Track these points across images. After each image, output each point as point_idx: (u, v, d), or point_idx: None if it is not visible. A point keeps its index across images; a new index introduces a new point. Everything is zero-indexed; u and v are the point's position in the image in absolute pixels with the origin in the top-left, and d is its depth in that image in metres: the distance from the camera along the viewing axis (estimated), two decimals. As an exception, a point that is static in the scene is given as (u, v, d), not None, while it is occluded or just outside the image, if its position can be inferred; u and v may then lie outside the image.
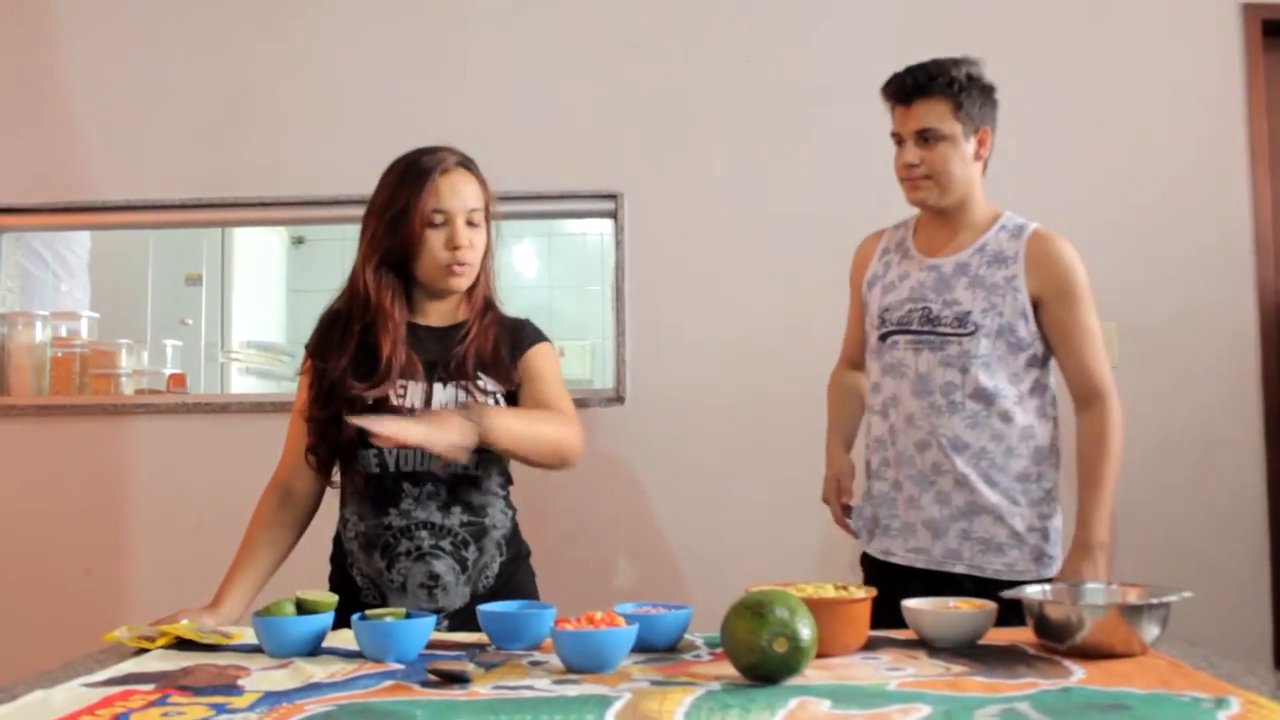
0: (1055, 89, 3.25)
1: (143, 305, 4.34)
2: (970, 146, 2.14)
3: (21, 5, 3.49)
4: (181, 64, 3.45)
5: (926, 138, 2.13)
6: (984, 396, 2.11)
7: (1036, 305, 2.12)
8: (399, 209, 1.85)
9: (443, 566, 1.85)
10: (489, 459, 1.89)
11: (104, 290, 4.03)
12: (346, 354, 1.86)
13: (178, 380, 3.64)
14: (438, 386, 1.87)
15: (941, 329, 2.14)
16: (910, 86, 2.13)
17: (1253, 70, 3.21)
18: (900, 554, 2.17)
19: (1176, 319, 3.18)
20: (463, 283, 1.90)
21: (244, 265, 4.78)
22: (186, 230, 4.18)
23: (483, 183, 1.93)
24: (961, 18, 3.28)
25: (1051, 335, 2.14)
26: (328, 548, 1.98)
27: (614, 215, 3.33)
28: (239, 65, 3.44)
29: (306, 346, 1.96)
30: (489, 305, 1.97)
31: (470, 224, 1.88)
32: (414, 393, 1.86)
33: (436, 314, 1.95)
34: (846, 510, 2.32)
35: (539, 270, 5.52)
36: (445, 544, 1.85)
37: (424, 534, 1.85)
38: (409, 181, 1.86)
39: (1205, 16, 3.24)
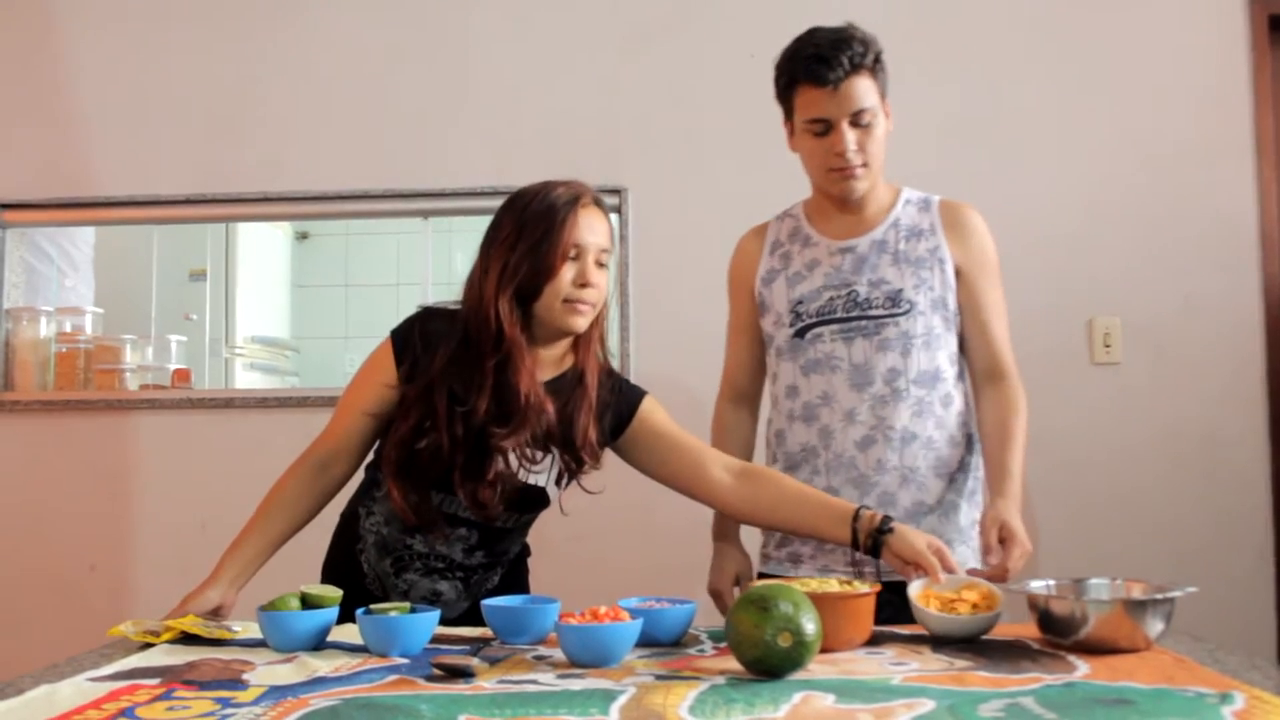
0: (1060, 83, 3.24)
1: (147, 300, 4.33)
2: (885, 124, 1.95)
3: (25, 1, 3.49)
4: (186, 59, 3.45)
5: (860, 120, 1.90)
6: (927, 380, 1.95)
7: (956, 277, 1.98)
8: (537, 239, 1.74)
9: (447, 585, 1.85)
10: (530, 519, 1.90)
11: (108, 285, 4.03)
12: (485, 395, 1.74)
13: (182, 375, 3.64)
14: (544, 456, 1.80)
15: (873, 312, 1.96)
16: (845, 66, 1.88)
17: (1259, 64, 3.20)
18: (840, 569, 1.93)
19: (1181, 314, 3.17)
20: (582, 322, 1.77)
21: (248, 260, 4.77)
22: (190, 225, 4.18)
23: (611, 226, 1.84)
24: (966, 14, 3.28)
25: (964, 309, 1.99)
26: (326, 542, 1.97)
27: (618, 210, 3.33)
28: (243, 61, 3.44)
29: (398, 338, 1.83)
30: (588, 367, 1.85)
31: (599, 264, 1.78)
32: (543, 469, 1.81)
33: (543, 362, 1.82)
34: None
35: (543, 265, 5.51)
36: (457, 571, 1.85)
37: (441, 564, 1.84)
38: (549, 212, 1.76)
39: (1211, 10, 3.23)
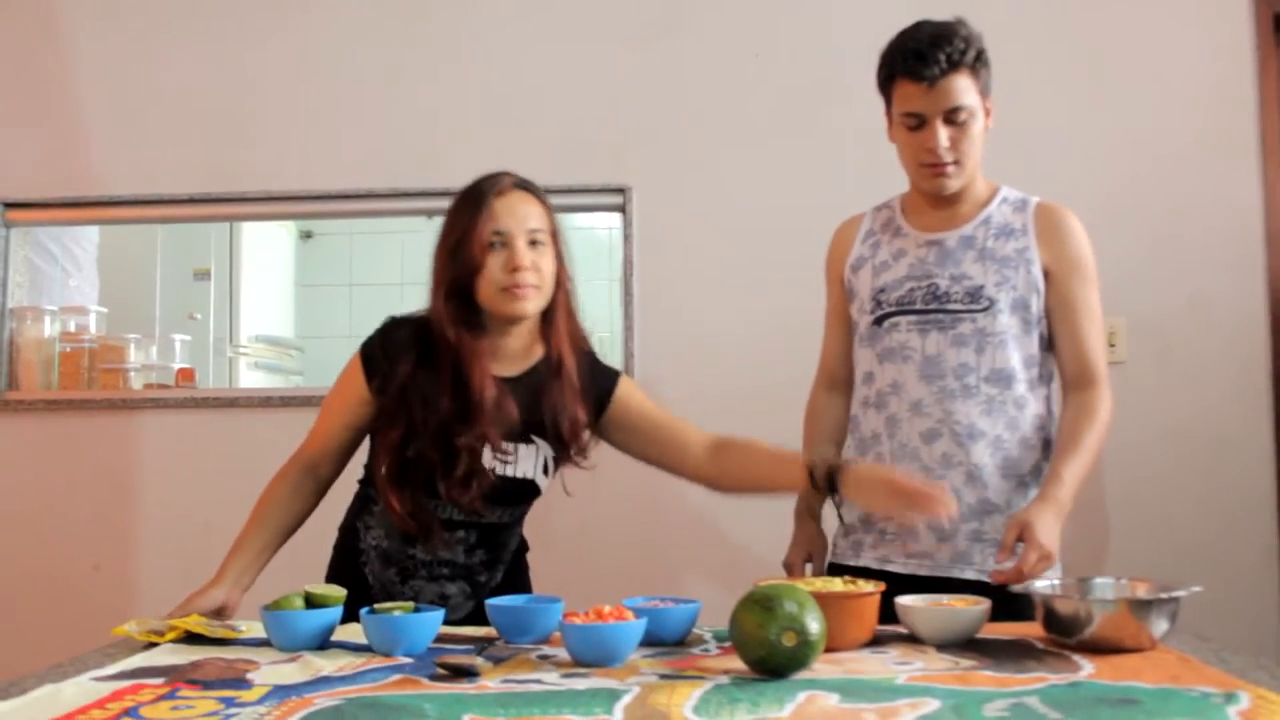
0: (1066, 81, 3.23)
1: (151, 300, 4.34)
2: (984, 121, 1.97)
3: (29, 1, 3.49)
4: (190, 59, 3.45)
5: (956, 118, 1.91)
6: (1000, 379, 1.93)
7: (1046, 280, 1.96)
8: (458, 236, 1.77)
9: (454, 589, 1.87)
10: (524, 510, 1.91)
11: (112, 285, 4.03)
12: (445, 394, 1.76)
13: (186, 375, 3.64)
14: (487, 450, 1.79)
15: (951, 306, 1.95)
16: (942, 65, 1.88)
17: (1264, 63, 3.19)
18: (899, 561, 1.95)
19: (1186, 313, 3.17)
20: (527, 306, 1.76)
21: (252, 260, 4.77)
22: (194, 225, 4.18)
23: (545, 204, 1.83)
24: (970, 13, 3.26)
25: (1055, 312, 1.96)
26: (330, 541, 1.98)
27: (622, 209, 3.33)
28: (247, 60, 3.44)
29: (366, 352, 1.85)
30: (576, 348, 1.86)
31: (533, 244, 1.77)
32: (526, 460, 1.83)
33: (506, 356, 1.83)
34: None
35: (547, 264, 5.52)
36: (461, 573, 1.88)
37: (444, 570, 1.86)
38: (466, 208, 1.78)
39: (1216, 9, 3.22)
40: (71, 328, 3.57)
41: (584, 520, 3.14)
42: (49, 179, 3.43)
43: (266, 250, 4.98)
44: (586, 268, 5.79)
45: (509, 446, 1.81)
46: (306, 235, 5.48)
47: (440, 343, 1.78)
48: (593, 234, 5.31)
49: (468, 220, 1.77)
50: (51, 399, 3.40)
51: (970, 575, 1.89)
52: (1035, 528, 1.73)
